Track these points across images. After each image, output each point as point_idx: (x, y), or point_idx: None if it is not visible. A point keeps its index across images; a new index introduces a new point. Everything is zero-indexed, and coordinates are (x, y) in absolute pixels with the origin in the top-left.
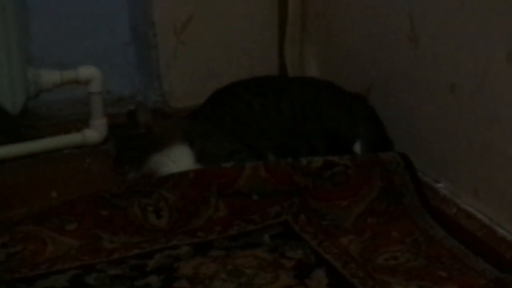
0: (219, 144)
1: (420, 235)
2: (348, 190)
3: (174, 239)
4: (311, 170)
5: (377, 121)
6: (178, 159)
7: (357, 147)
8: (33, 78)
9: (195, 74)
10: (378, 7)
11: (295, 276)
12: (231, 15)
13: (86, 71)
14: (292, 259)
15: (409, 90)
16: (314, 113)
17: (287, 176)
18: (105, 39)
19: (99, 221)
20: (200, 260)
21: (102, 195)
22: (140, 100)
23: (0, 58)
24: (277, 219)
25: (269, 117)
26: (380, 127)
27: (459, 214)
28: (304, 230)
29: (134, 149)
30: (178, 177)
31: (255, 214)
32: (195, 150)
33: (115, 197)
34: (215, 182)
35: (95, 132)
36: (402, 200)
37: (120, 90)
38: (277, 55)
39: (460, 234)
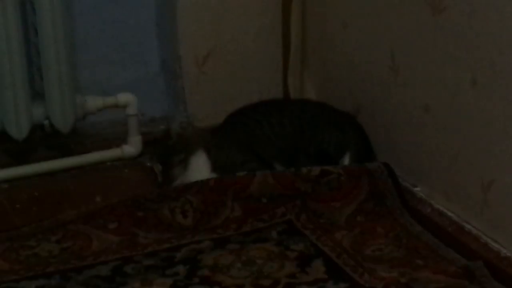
0: (232, 155)
1: (400, 231)
2: (341, 193)
3: (197, 235)
4: (311, 177)
5: (364, 136)
6: (197, 166)
7: (346, 159)
8: (81, 103)
9: (214, 99)
10: (364, 42)
11: (297, 265)
12: (243, 50)
13: (124, 97)
14: (295, 251)
15: (390, 111)
16: (311, 128)
17: (290, 182)
18: (140, 70)
19: (135, 221)
20: (219, 253)
21: (137, 199)
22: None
23: (54, 87)
24: (283, 218)
25: (274, 132)
26: (366, 141)
27: (433, 213)
28: (304, 227)
29: (178, 153)
30: (200, 184)
31: (264, 214)
32: (211, 159)
33: (149, 201)
34: (231, 188)
35: (132, 147)
36: (385, 201)
37: (152, 113)
38: (282, 83)
39: (434, 230)
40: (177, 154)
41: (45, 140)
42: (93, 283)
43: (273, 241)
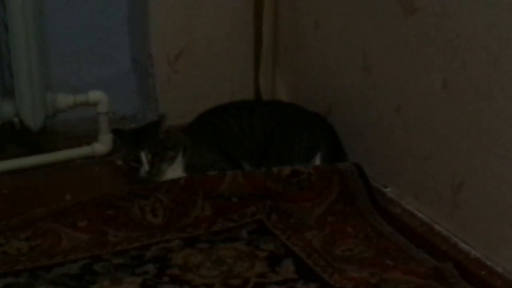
0: (203, 155)
1: (371, 231)
2: (311, 193)
3: (167, 234)
4: (281, 177)
5: (334, 136)
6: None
7: (317, 159)
8: (51, 101)
9: (185, 97)
10: (335, 42)
11: (267, 265)
12: (215, 49)
13: (95, 95)
14: (265, 250)
15: (361, 111)
16: (281, 129)
17: (261, 182)
18: (111, 68)
19: (105, 219)
20: (189, 252)
21: (108, 197)
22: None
23: (24, 85)
24: (253, 218)
25: (244, 133)
26: (337, 141)
27: (403, 213)
28: (275, 227)
29: (170, 150)
30: (171, 183)
31: (234, 213)
32: (185, 159)
33: (119, 199)
34: (202, 187)
35: (102, 145)
36: (356, 201)
37: (123, 111)
38: (253, 83)
39: (404, 230)
40: (170, 149)
41: (15, 137)
42: (62, 281)
43: (243, 241)
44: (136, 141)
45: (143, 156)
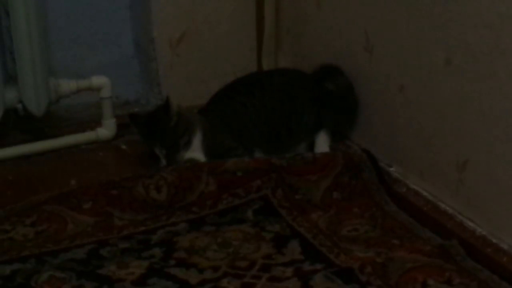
0: (220, 140)
1: (376, 210)
2: (316, 167)
3: (173, 216)
4: (285, 157)
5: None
6: (197, 146)
7: (322, 134)
8: (54, 87)
9: (188, 81)
10: (338, 23)
11: (273, 246)
12: (217, 32)
13: (98, 80)
14: (271, 232)
15: (365, 92)
16: (290, 99)
17: (266, 159)
18: (114, 53)
19: (109, 199)
20: (195, 235)
21: (112, 179)
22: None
23: (27, 71)
24: (259, 194)
25: (258, 114)
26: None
27: (408, 192)
28: (281, 205)
29: (182, 136)
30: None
31: (239, 188)
32: (205, 143)
33: (124, 180)
34: (206, 165)
35: (106, 130)
36: (362, 175)
37: (126, 95)
38: (256, 65)
39: (409, 209)
40: (181, 137)
41: (19, 124)
42: (69, 266)
43: (249, 222)
44: (148, 135)
45: (158, 151)
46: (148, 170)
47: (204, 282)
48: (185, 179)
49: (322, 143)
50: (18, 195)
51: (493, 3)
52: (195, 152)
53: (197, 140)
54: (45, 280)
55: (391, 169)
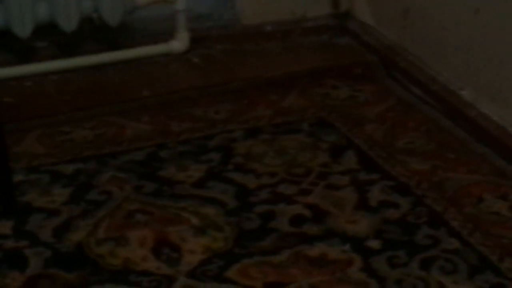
0: None
1: (431, 125)
2: None
3: (228, 125)
4: None
5: None
6: None
7: None
8: None
9: None
10: None
11: (330, 156)
12: None
13: None
14: (327, 142)
15: (440, 13)
16: None
17: None
18: None
19: (168, 117)
20: (252, 142)
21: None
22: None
23: None
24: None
25: None
26: None
27: (479, 116)
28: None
29: None
30: None
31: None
32: None
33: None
34: None
35: (179, 43)
36: None
37: (200, 9)
38: None
39: (479, 133)
40: None
41: (94, 33)
42: (130, 167)
43: (304, 132)
44: None
45: None
46: None
47: (262, 187)
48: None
49: None
50: (90, 104)
51: None
52: None
53: None
54: (107, 179)
55: (463, 92)
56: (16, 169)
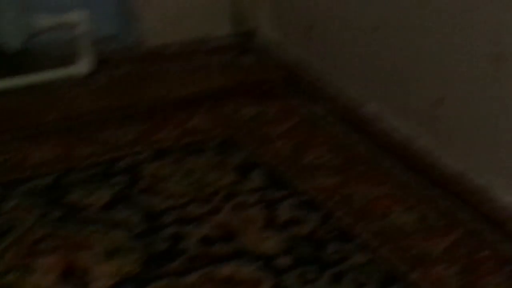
0: None
1: (338, 140)
2: None
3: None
4: None
5: None
6: None
7: None
8: (31, 22)
9: (167, 17)
10: None
11: (238, 174)
12: None
13: (76, 15)
14: (234, 161)
15: (342, 30)
16: None
17: None
18: None
19: (74, 141)
20: (159, 163)
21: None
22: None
23: (3, 5)
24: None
25: None
26: None
27: (384, 130)
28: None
29: None
30: None
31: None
32: None
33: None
34: None
35: (83, 66)
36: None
37: (104, 31)
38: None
39: (385, 148)
40: None
41: None
42: (35, 193)
43: (212, 152)
44: None
45: None
46: None
47: (170, 209)
48: None
49: None
50: None
51: None
52: None
53: None
54: (12, 207)
55: (367, 106)
56: None
